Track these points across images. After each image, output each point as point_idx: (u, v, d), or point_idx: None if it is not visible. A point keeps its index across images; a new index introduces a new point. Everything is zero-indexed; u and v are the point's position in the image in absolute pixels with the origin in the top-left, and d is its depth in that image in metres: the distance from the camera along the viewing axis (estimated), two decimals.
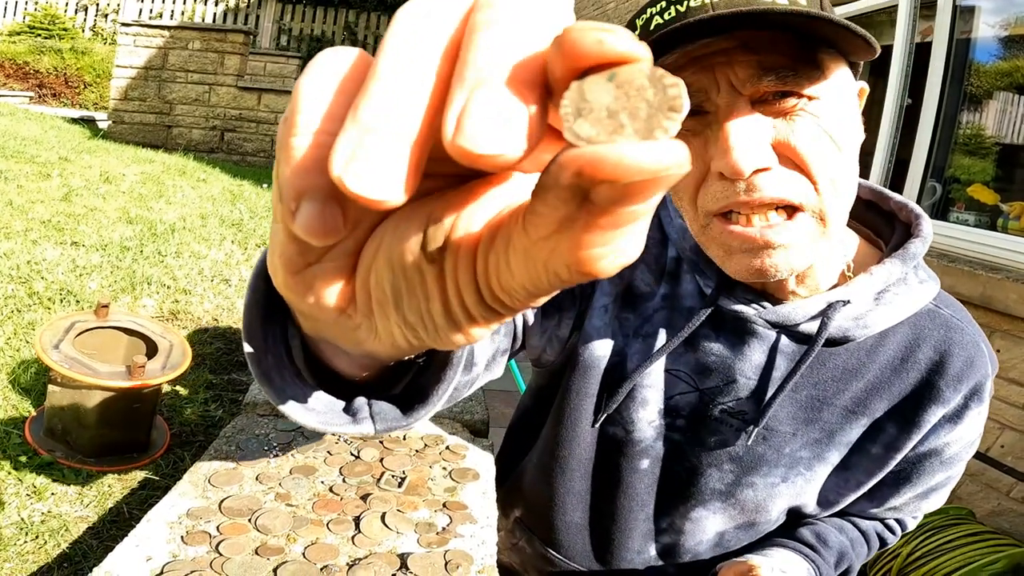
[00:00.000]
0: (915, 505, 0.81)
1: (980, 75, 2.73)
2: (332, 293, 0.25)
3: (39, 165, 4.79)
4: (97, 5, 10.79)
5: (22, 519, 1.81)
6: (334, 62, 0.22)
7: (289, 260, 0.25)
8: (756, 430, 0.72)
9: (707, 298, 0.73)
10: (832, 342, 0.72)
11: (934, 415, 0.72)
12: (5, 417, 2.21)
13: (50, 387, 2.04)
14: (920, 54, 2.85)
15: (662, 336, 0.76)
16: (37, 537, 1.77)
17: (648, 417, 0.77)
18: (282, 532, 0.77)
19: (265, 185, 6.07)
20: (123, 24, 7.46)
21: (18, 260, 3.21)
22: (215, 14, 10.43)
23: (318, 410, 0.40)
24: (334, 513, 0.83)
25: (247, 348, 0.38)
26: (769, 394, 0.73)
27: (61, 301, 2.99)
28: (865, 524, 0.84)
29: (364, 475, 0.92)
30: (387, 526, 0.81)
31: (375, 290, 0.25)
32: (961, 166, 2.78)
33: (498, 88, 0.18)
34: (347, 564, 0.74)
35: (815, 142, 0.60)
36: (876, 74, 3.09)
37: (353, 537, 0.79)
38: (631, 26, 0.64)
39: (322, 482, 0.89)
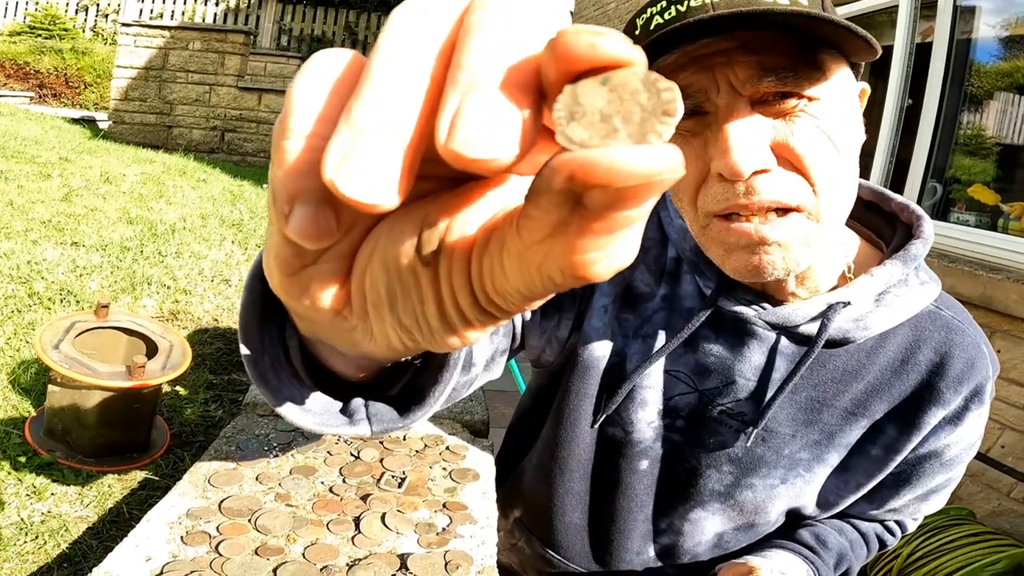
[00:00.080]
0: (915, 507, 0.81)
1: (981, 75, 2.73)
2: (327, 295, 0.25)
3: (39, 165, 4.79)
4: (98, 5, 10.80)
5: (22, 519, 1.81)
6: (327, 64, 0.22)
7: (284, 262, 0.25)
8: (755, 431, 0.72)
9: (707, 299, 0.73)
10: (832, 343, 0.72)
11: (934, 417, 0.72)
12: (5, 417, 2.21)
13: (50, 387, 2.04)
14: (921, 55, 2.84)
15: (662, 337, 0.76)
16: (37, 537, 1.77)
17: (647, 418, 0.77)
18: (282, 532, 0.77)
19: (265, 185, 6.06)
20: (123, 24, 7.47)
21: (18, 260, 3.22)
22: (215, 14, 10.44)
23: (315, 411, 0.40)
24: (334, 513, 0.83)
25: (244, 350, 0.38)
26: (768, 395, 0.73)
27: (61, 301, 2.99)
28: (865, 526, 0.84)
29: (364, 475, 0.92)
30: (387, 526, 0.81)
31: (370, 292, 0.25)
32: (962, 166, 2.78)
33: (491, 91, 0.18)
34: (347, 564, 0.74)
35: (813, 144, 0.60)
36: (877, 75, 3.09)
37: (353, 537, 0.79)
38: (631, 25, 0.64)
39: (322, 482, 0.89)
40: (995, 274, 2.23)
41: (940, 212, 2.77)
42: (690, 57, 0.60)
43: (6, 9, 10.40)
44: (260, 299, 0.37)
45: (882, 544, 0.86)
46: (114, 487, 2.03)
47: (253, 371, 0.38)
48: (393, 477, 0.92)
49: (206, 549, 0.73)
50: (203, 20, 10.21)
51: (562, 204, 0.17)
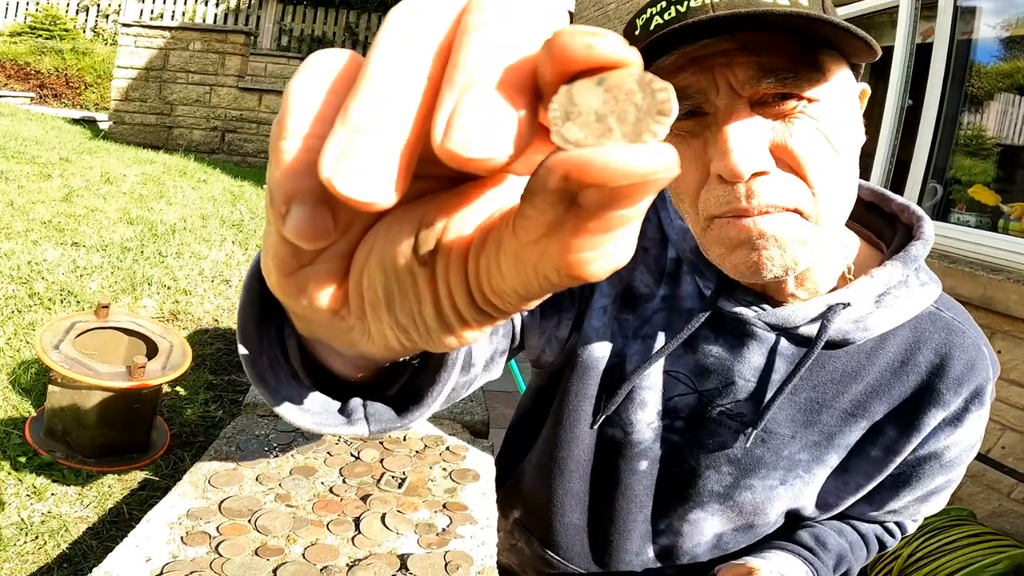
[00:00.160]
0: (915, 508, 0.80)
1: (981, 76, 2.73)
2: (325, 295, 0.25)
3: (40, 166, 4.79)
4: (98, 6, 10.81)
5: (22, 519, 1.81)
6: (324, 64, 0.22)
7: (282, 262, 0.25)
8: (755, 432, 0.72)
9: (707, 300, 0.73)
10: (832, 344, 0.72)
11: (934, 418, 0.72)
12: (5, 417, 2.22)
13: (50, 387, 2.04)
14: (921, 55, 2.84)
15: (661, 337, 0.76)
16: (37, 537, 1.77)
17: (647, 418, 0.77)
18: (282, 533, 0.77)
19: (265, 186, 6.06)
20: (124, 25, 7.47)
21: (19, 260, 3.22)
22: (216, 15, 10.44)
23: (313, 411, 0.40)
24: (334, 514, 0.83)
25: (242, 350, 0.38)
26: (768, 396, 0.73)
27: (61, 301, 3.00)
28: (864, 527, 0.84)
29: (364, 476, 0.92)
30: (387, 527, 0.81)
31: (367, 292, 0.25)
32: (962, 167, 2.78)
33: (487, 91, 0.18)
34: (347, 565, 0.74)
35: (812, 145, 0.60)
36: (877, 75, 3.09)
37: (353, 538, 0.79)
38: (631, 26, 0.64)
39: (322, 483, 0.89)
40: (995, 275, 2.23)
41: (940, 213, 2.77)
42: (690, 58, 0.60)
43: (7, 9, 10.41)
44: (258, 299, 0.38)
45: (882, 545, 0.86)
46: (114, 487, 2.03)
47: (251, 371, 0.38)
48: (393, 477, 0.92)
49: (206, 549, 0.73)
50: (203, 21, 10.22)
51: (557, 203, 0.17)
